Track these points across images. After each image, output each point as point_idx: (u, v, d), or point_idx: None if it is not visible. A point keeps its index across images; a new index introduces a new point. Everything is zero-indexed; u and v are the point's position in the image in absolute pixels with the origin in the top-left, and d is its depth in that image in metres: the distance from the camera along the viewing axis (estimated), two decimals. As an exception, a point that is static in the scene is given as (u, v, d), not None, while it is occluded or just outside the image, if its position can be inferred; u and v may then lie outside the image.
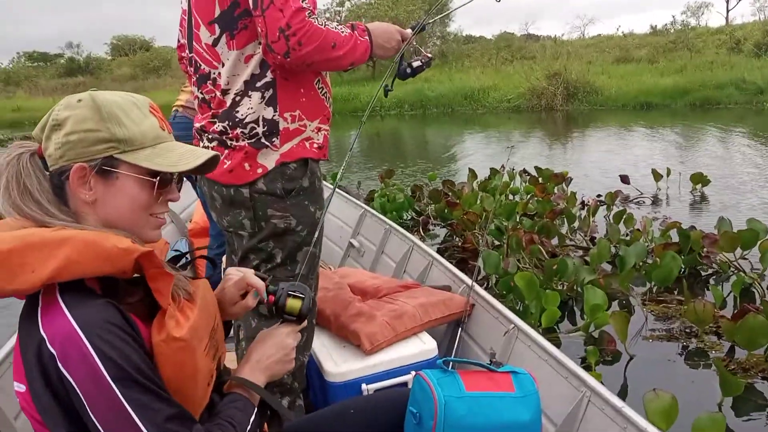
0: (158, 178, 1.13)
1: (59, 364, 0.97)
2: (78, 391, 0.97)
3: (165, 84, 35.82)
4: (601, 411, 1.92)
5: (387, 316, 2.57)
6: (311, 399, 2.53)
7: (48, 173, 1.10)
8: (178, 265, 1.27)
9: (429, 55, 2.22)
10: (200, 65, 1.99)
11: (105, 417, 0.98)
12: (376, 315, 2.58)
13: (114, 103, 1.11)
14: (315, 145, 2.02)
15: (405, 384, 2.37)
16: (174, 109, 3.94)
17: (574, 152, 12.45)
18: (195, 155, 1.17)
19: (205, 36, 1.93)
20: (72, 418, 1.01)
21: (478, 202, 6.46)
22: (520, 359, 2.34)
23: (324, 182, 5.18)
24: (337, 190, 4.92)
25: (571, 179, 7.87)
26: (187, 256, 1.38)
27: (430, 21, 2.47)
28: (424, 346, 2.52)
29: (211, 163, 1.21)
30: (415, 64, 2.16)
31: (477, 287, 2.78)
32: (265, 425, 1.36)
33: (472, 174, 8.04)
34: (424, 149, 15.43)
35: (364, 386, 2.35)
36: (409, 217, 6.99)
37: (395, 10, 31.70)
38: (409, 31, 2.13)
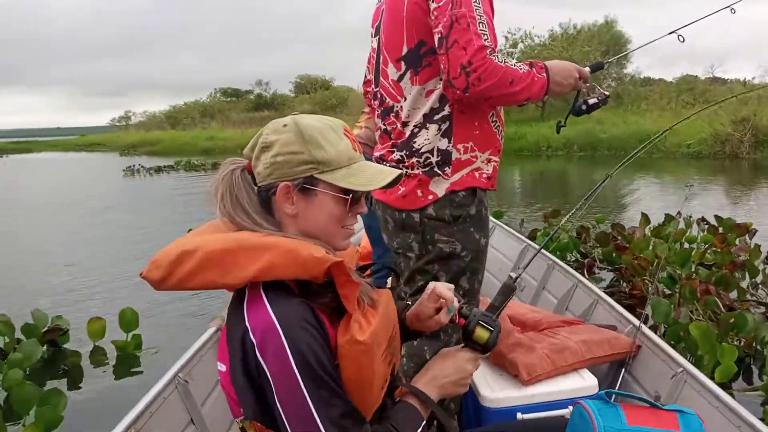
0: (351, 195, 1.26)
1: (257, 352, 1.12)
2: (269, 378, 1.11)
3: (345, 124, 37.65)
4: None
5: (547, 349, 2.56)
6: (464, 422, 2.57)
7: (257, 188, 1.27)
8: (364, 274, 1.40)
9: (606, 92, 2.25)
10: (385, 99, 2.18)
11: (288, 404, 1.10)
12: (535, 347, 2.58)
13: (314, 128, 1.24)
14: (484, 176, 2.12)
15: (561, 418, 2.34)
16: None
17: (760, 203, 11.48)
18: (383, 175, 1.29)
19: (392, 72, 2.11)
20: (261, 400, 1.14)
21: (650, 248, 6.16)
22: (687, 405, 2.22)
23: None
24: (499, 223, 4.98)
25: (756, 231, 7.26)
26: (374, 267, 1.52)
27: (610, 60, 2.49)
28: (585, 382, 2.48)
29: (395, 182, 1.32)
30: (591, 101, 2.21)
31: (645, 328, 2.69)
32: None
33: (645, 219, 7.67)
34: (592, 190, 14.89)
35: (519, 415, 2.34)
36: (574, 259, 6.82)
37: (570, 51, 31.17)
38: (587, 69, 2.18)
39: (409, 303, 1.55)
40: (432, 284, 1.47)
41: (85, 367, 4.75)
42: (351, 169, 1.26)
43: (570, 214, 2.44)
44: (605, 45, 32.37)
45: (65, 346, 5.00)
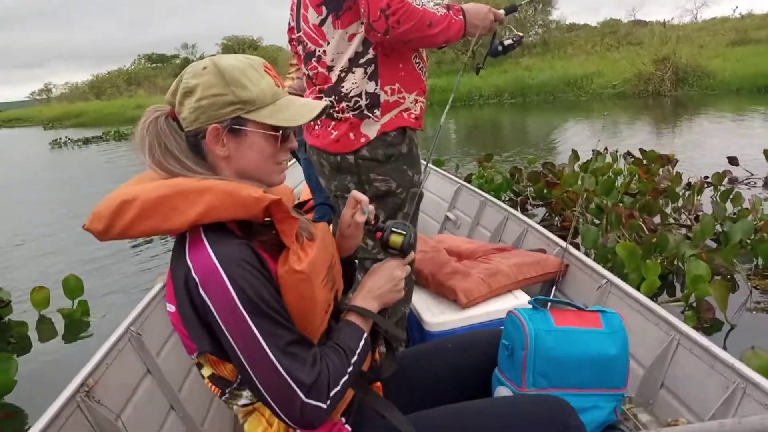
0: (280, 132, 1.27)
1: (200, 290, 1.15)
2: (215, 314, 1.15)
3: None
4: (690, 352, 1.96)
5: (482, 273, 2.69)
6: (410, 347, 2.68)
7: (183, 133, 1.27)
8: (302, 210, 1.45)
9: (520, 33, 2.31)
10: (307, 44, 2.19)
11: (237, 337, 1.14)
12: (471, 273, 2.70)
13: (235, 68, 1.24)
14: (412, 116, 2.19)
15: (498, 329, 2.48)
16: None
17: (681, 136, 11.96)
18: (310, 108, 1.31)
19: (312, 16, 2.13)
20: (212, 334, 1.18)
21: (579, 182, 6.40)
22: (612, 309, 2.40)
23: (422, 161, 5.31)
24: (434, 167, 5.11)
25: (677, 161, 7.59)
26: (310, 203, 1.56)
27: (522, 3, 2.61)
28: (518, 301, 2.62)
29: (321, 114, 1.34)
30: (507, 42, 2.28)
31: (571, 248, 2.84)
32: (377, 352, 1.51)
33: (574, 155, 7.91)
34: (523, 136, 15.25)
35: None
36: (508, 198, 7.00)
37: (495, -5, 31.26)
38: (501, 11, 2.25)
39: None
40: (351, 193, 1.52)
41: (33, 337, 4.68)
42: (276, 105, 1.27)
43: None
44: (530, -8, 32.54)
45: (9, 317, 4.91)
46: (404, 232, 1.43)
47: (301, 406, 1.16)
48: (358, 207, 1.47)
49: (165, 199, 1.16)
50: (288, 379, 1.15)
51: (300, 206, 1.49)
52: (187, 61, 53.49)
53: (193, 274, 1.15)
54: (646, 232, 4.86)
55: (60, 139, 25.11)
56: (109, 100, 43.08)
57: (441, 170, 5.02)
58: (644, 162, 7.41)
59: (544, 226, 5.87)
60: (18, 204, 10.95)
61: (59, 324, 4.84)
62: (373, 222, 1.48)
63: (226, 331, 1.15)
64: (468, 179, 7.46)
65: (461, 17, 2.09)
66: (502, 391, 1.68)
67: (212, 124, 1.23)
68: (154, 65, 58.11)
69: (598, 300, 2.50)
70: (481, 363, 1.74)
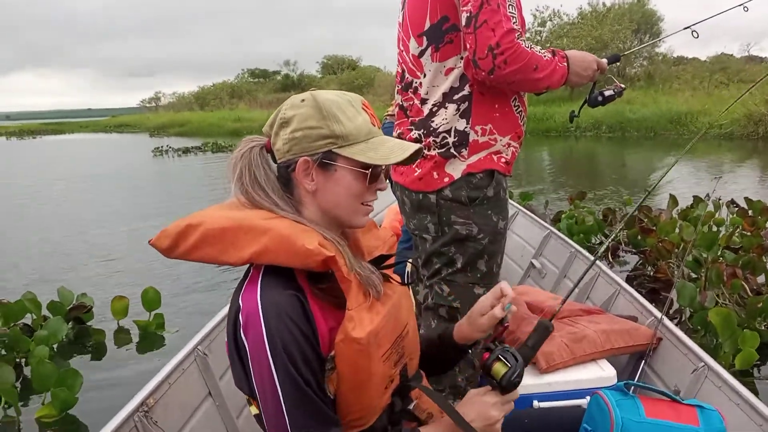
0: (370, 170, 1.23)
1: (241, 331, 1.14)
2: (249, 359, 1.14)
3: (367, 101, 37.56)
4: None
5: (566, 337, 2.52)
6: None
7: (276, 165, 1.26)
8: (381, 265, 1.35)
9: (622, 85, 2.25)
10: (405, 74, 2.16)
11: (260, 386, 1.14)
12: (554, 335, 2.54)
13: (332, 102, 1.22)
14: (503, 160, 2.10)
15: (579, 407, 2.32)
16: (384, 117, 4.29)
17: (794, 186, 11.21)
18: (403, 148, 1.26)
19: (413, 47, 2.10)
20: (246, 373, 1.17)
21: (677, 231, 6.06)
22: (708, 400, 2.17)
23: (510, 200, 5.16)
24: (522, 208, 4.94)
25: (788, 214, 7.08)
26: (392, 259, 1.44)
27: (626, 53, 2.50)
28: (603, 372, 2.44)
29: (416, 156, 1.30)
30: (607, 93, 2.22)
31: (666, 320, 2.63)
32: None
33: (673, 201, 7.55)
34: (620, 173, 14.71)
35: (535, 403, 2.31)
36: (598, 242, 6.72)
37: (599, 29, 30.58)
38: (605, 60, 2.17)
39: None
40: (500, 283, 1.41)
41: (109, 345, 4.83)
42: (369, 143, 1.24)
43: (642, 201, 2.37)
44: (636, 23, 31.65)
45: (90, 323, 5.08)
46: (509, 365, 1.26)
47: None
48: (502, 300, 1.36)
49: (226, 231, 1.16)
50: None
51: (382, 260, 1.39)
52: (287, 78, 55.41)
53: (241, 313, 1.15)
54: (749, 294, 4.51)
55: (162, 147, 26.31)
56: (211, 111, 45.00)
57: (530, 213, 4.84)
58: (749, 213, 6.97)
59: (637, 276, 5.83)
60: (111, 212, 11.38)
61: (135, 333, 4.99)
62: (506, 325, 1.35)
63: (254, 377, 1.14)
64: (557, 218, 7.24)
65: (565, 64, 2.01)
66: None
67: (304, 156, 1.21)
68: (256, 80, 60.23)
69: (692, 384, 2.29)
70: None
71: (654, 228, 6.14)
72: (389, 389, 1.27)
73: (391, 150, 1.25)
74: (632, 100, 25.46)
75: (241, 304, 1.16)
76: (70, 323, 4.91)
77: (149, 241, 1.21)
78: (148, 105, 67.47)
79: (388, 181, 2.36)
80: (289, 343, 1.11)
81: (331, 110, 1.21)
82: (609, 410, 1.58)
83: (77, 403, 3.69)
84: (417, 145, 1.29)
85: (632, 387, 1.67)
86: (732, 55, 34.56)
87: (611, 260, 6.10)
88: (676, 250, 5.51)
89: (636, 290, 3.15)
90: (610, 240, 5.53)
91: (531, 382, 2.39)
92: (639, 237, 6.17)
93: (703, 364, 2.29)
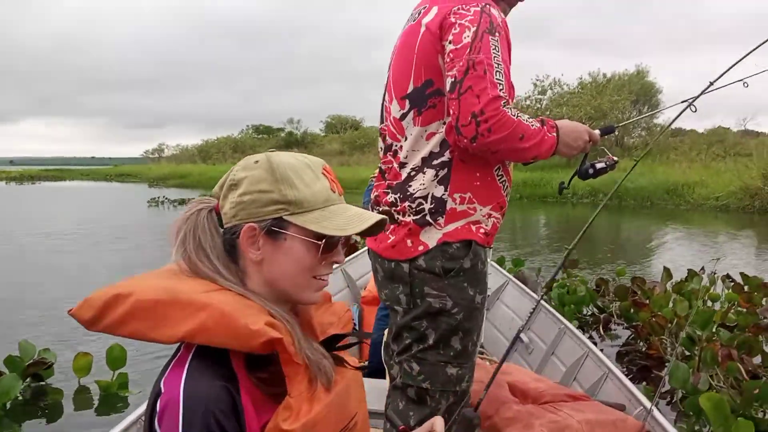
0: (324, 240, 1.11)
1: (155, 421, 0.99)
2: None
3: (368, 161, 38.28)
4: None
5: (547, 427, 2.32)
6: None
7: (222, 230, 1.14)
8: (337, 345, 1.22)
9: (614, 158, 2.17)
10: (387, 137, 2.07)
11: None
12: (534, 424, 2.34)
13: (288, 165, 1.12)
14: (482, 230, 1.96)
15: None
16: (370, 179, 4.16)
17: (791, 261, 11.04)
18: (362, 219, 1.14)
19: (395, 109, 2.01)
20: None
21: (670, 305, 5.89)
22: None
23: (500, 268, 4.97)
24: (512, 278, 4.77)
25: (786, 292, 6.90)
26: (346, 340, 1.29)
27: (620, 125, 2.44)
28: (585, 468, 2.21)
29: (379, 227, 1.18)
30: (599, 165, 2.14)
31: (656, 411, 2.42)
32: None
33: (667, 273, 7.39)
34: (615, 242, 14.59)
35: None
36: (590, 313, 6.53)
37: (598, 99, 31.05)
38: (597, 132, 2.09)
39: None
40: (434, 419, 1.25)
41: (66, 405, 4.56)
42: (326, 211, 1.13)
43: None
44: (635, 94, 32.22)
45: (49, 381, 4.82)
46: None
47: None
48: None
49: (159, 304, 1.03)
50: None
51: (336, 340, 1.24)
52: (291, 135, 56.22)
53: (160, 400, 1.00)
54: (745, 377, 4.28)
55: (158, 198, 26.26)
56: (213, 165, 45.31)
57: (520, 283, 4.66)
58: (746, 289, 6.79)
59: (629, 352, 5.61)
60: (91, 262, 11.14)
61: (96, 394, 4.72)
62: None
63: None
64: (549, 286, 7.03)
65: (555, 134, 1.90)
66: None
67: (250, 222, 1.10)
68: (260, 136, 61.05)
69: None
70: None
71: (647, 302, 5.96)
72: None
73: (349, 220, 1.13)
74: (629, 169, 25.53)
75: (162, 389, 1.01)
76: (27, 379, 4.67)
77: (69, 311, 1.07)
78: (151, 156, 68.23)
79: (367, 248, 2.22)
80: None
81: (286, 173, 1.11)
82: None
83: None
84: (379, 216, 1.17)
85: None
86: (729, 128, 35.05)
87: (603, 333, 5.90)
88: (669, 326, 5.31)
89: (627, 368, 2.95)
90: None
91: None
92: (632, 310, 5.99)
93: None
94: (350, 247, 6.33)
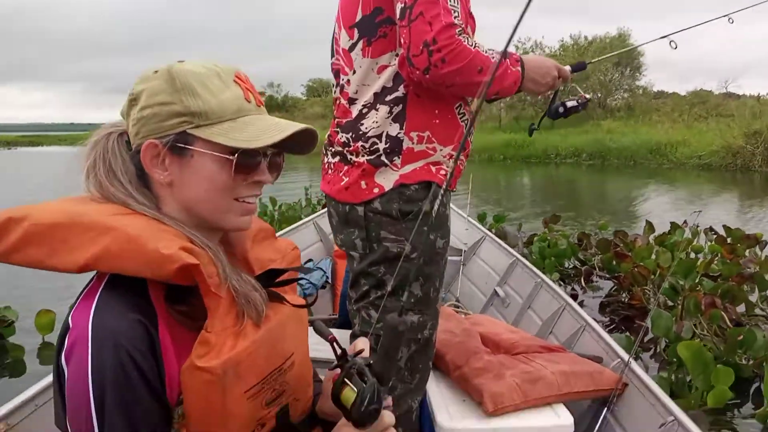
0: (237, 155, 0.97)
1: (62, 356, 0.90)
2: (66, 387, 0.89)
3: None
4: None
5: (519, 377, 2.17)
6: None
7: (130, 153, 1.02)
8: (276, 280, 1.09)
9: (586, 95, 2.05)
10: (338, 72, 1.90)
11: (77, 421, 0.88)
12: (505, 374, 2.19)
13: (190, 73, 0.98)
14: (443, 172, 1.81)
15: None
16: None
17: (772, 216, 10.99)
18: (279, 128, 0.99)
19: (344, 40, 1.85)
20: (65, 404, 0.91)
21: (653, 257, 5.78)
22: None
23: (477, 224, 4.82)
24: (488, 233, 4.64)
25: (767, 243, 6.83)
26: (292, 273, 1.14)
27: (593, 61, 2.35)
28: (558, 420, 2.08)
29: (309, 141, 1.06)
30: (570, 103, 2.03)
31: (634, 364, 2.30)
32: None
33: (649, 227, 7.28)
34: (598, 199, 14.53)
35: None
36: (571, 266, 6.41)
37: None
38: (568, 68, 1.96)
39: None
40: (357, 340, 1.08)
41: (29, 362, 4.39)
42: (238, 122, 0.99)
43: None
44: (617, 57, 32.07)
45: (11, 338, 4.65)
46: (356, 389, 0.89)
47: None
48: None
49: (57, 228, 0.91)
50: None
51: (277, 274, 1.08)
52: (272, 99, 55.65)
53: (68, 336, 0.89)
54: (729, 325, 4.17)
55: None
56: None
57: (497, 239, 4.50)
58: (728, 241, 6.71)
59: (611, 302, 5.51)
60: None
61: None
62: (338, 352, 0.96)
63: (68, 410, 0.89)
64: (530, 240, 6.92)
65: (519, 69, 1.74)
66: None
67: (151, 138, 0.97)
68: (239, 100, 60.19)
69: None
70: None
71: (629, 254, 5.85)
72: None
73: (264, 130, 0.98)
74: (612, 130, 25.70)
75: (70, 324, 0.90)
76: (-13, 337, 4.49)
77: None
78: (127, 119, 67.18)
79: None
80: (121, 387, 0.86)
81: (188, 82, 0.97)
82: None
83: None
84: (302, 125, 1.00)
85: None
86: (711, 91, 35.08)
87: (584, 285, 5.79)
88: (652, 277, 5.22)
89: (610, 319, 2.81)
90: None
91: (474, 426, 2.06)
92: (614, 262, 5.87)
93: (672, 418, 1.97)
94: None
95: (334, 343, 0.94)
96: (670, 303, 4.83)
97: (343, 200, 1.83)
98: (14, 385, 4.02)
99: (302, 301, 1.09)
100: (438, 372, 2.34)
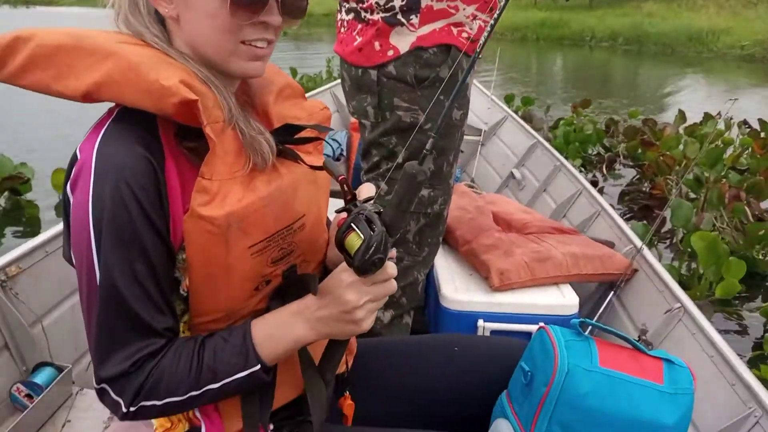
0: None
1: (68, 185, 0.90)
2: (70, 216, 0.89)
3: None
4: None
5: (528, 256, 2.16)
6: (427, 318, 2.37)
7: None
8: (294, 136, 1.01)
9: None
10: None
11: (79, 258, 0.88)
12: (514, 252, 2.18)
13: None
14: (464, 35, 1.69)
15: (529, 335, 1.98)
16: None
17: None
18: None
19: None
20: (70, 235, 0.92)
21: (681, 147, 5.62)
22: (676, 347, 1.87)
23: (499, 102, 4.67)
24: (510, 113, 4.49)
25: (803, 140, 6.59)
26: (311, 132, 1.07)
27: None
28: (564, 299, 2.08)
29: None
30: None
31: (646, 251, 2.27)
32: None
33: (681, 116, 7.04)
34: (631, 87, 14.05)
35: (480, 322, 2.02)
36: (595, 152, 6.28)
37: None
38: None
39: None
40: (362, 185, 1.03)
41: (45, 218, 4.50)
42: None
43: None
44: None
45: (27, 195, 4.73)
46: (362, 236, 0.86)
47: (99, 387, 0.90)
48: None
49: (62, 50, 0.87)
50: (97, 349, 0.89)
51: (294, 129, 1.01)
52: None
53: (75, 165, 0.89)
54: (751, 220, 4.10)
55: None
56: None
57: (519, 119, 4.36)
58: (762, 135, 6.47)
59: (631, 191, 5.43)
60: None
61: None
62: (348, 195, 0.93)
63: (72, 248, 0.90)
64: (556, 125, 6.75)
65: None
66: (501, 426, 1.22)
67: None
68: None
69: (663, 326, 1.97)
70: (490, 379, 1.29)
71: (656, 142, 5.69)
72: (263, 291, 0.98)
73: None
74: (653, 13, 24.44)
75: (78, 155, 0.89)
76: (5, 193, 4.59)
77: None
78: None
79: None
80: (118, 219, 0.84)
81: None
82: (554, 350, 1.20)
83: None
84: None
85: (589, 327, 1.27)
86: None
87: (606, 173, 5.68)
88: (678, 168, 5.09)
89: (628, 207, 2.75)
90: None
91: (478, 299, 2.08)
92: (639, 150, 5.74)
93: (679, 305, 1.96)
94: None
95: (344, 185, 0.90)
96: (692, 195, 4.75)
97: (355, 63, 1.74)
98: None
99: (319, 162, 1.02)
100: (447, 246, 2.34)
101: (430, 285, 2.25)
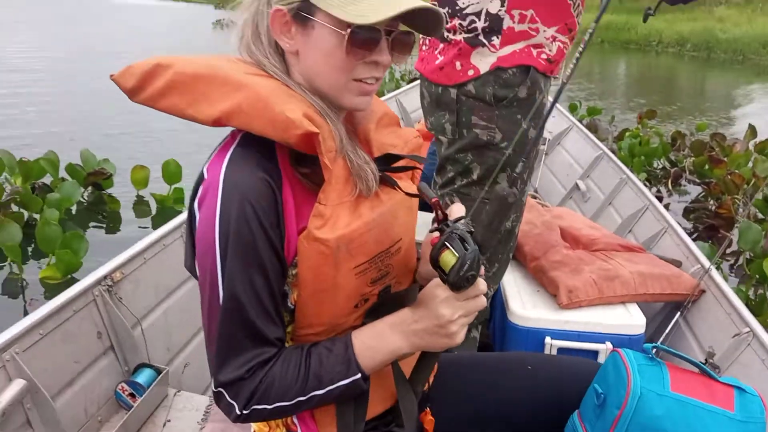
0: (349, 30, 0.94)
1: (196, 202, 0.98)
2: (197, 230, 0.97)
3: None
4: None
5: (596, 273, 2.19)
6: (490, 332, 2.41)
7: None
8: (392, 166, 1.09)
9: None
10: None
11: (203, 270, 0.96)
12: (583, 269, 2.22)
13: None
14: (543, 56, 1.72)
15: (595, 353, 2.03)
16: None
17: None
18: (398, 2, 0.93)
19: None
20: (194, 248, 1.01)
21: (750, 165, 5.50)
22: (744, 373, 1.86)
23: (565, 111, 4.63)
24: (576, 122, 4.47)
25: None
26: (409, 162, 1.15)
27: None
28: (631, 319, 2.11)
29: (435, 21, 1.00)
30: None
31: (714, 272, 2.25)
32: None
33: (751, 131, 6.86)
34: (699, 96, 13.68)
35: (548, 339, 2.06)
36: (660, 166, 6.19)
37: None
38: None
39: None
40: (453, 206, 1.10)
41: (124, 214, 4.70)
42: None
43: None
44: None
45: (108, 191, 4.94)
46: (457, 254, 0.93)
47: (216, 390, 0.98)
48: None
49: (198, 79, 0.96)
50: (216, 355, 0.97)
51: (391, 159, 1.09)
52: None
53: (202, 184, 0.98)
54: (822, 245, 4.01)
55: (223, 20, 25.49)
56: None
57: (584, 129, 4.34)
58: (839, 154, 6.25)
59: (696, 209, 5.35)
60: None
61: (154, 207, 4.86)
62: (440, 215, 1.01)
63: (197, 260, 0.98)
64: (621, 135, 6.68)
65: None
66: (574, 446, 1.25)
67: (278, 6, 0.97)
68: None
69: (731, 351, 1.96)
70: (562, 399, 1.33)
71: (725, 159, 5.58)
72: (361, 308, 1.06)
73: (379, 4, 0.92)
74: (725, 18, 23.58)
75: (205, 174, 0.97)
76: (89, 188, 4.80)
77: (111, 76, 1.02)
78: (219, -26, 65.34)
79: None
80: (242, 236, 0.92)
81: None
82: (627, 374, 1.25)
83: (82, 267, 3.60)
84: (417, 3, 0.94)
85: (660, 351, 1.32)
86: None
87: (671, 188, 5.60)
88: (746, 187, 4.98)
89: (693, 226, 2.74)
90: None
91: (546, 317, 2.12)
92: (706, 166, 5.63)
93: (748, 330, 1.94)
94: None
95: (438, 207, 0.98)
96: (760, 216, 4.65)
97: (436, 81, 1.79)
98: (112, 235, 4.42)
99: (414, 190, 1.10)
100: (514, 261, 2.38)
101: (496, 299, 2.30)
